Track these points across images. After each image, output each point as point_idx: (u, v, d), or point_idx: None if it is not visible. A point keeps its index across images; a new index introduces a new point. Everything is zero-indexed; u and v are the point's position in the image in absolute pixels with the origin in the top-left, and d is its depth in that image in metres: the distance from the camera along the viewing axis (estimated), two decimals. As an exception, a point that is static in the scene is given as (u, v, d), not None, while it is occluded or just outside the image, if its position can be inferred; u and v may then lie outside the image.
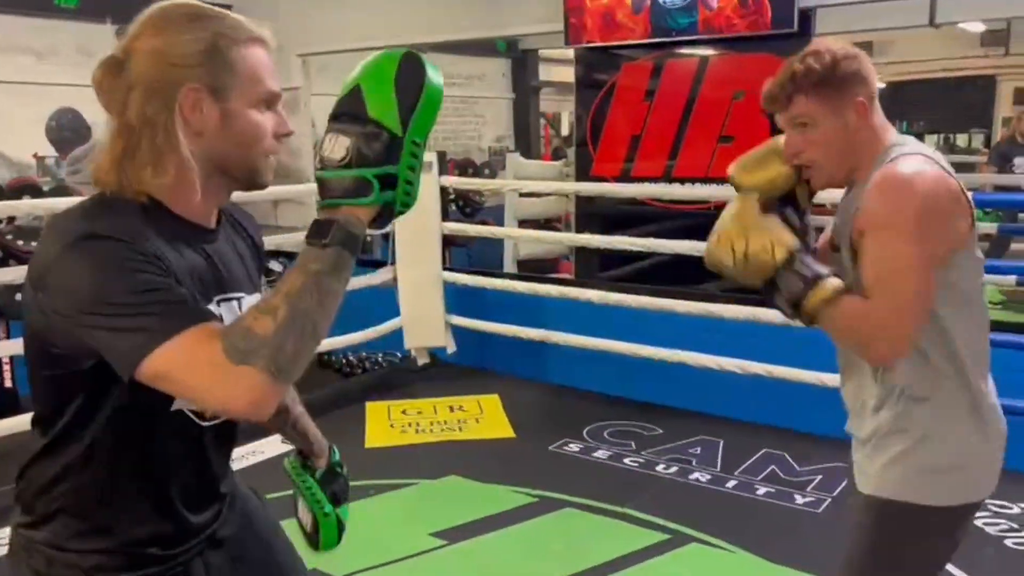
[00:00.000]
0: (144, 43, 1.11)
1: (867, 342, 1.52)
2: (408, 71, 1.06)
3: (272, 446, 4.12)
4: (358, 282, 5.02)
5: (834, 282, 1.50)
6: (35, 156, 5.73)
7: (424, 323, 5.04)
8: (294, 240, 5.63)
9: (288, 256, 5.94)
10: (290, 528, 1.65)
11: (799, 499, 3.43)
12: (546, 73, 9.28)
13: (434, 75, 1.08)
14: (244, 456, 3.98)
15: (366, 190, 1.06)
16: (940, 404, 1.56)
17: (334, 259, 1.05)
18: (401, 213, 1.10)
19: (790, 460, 3.79)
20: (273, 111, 1.19)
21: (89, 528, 1.18)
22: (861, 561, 1.65)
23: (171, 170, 1.11)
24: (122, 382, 1.04)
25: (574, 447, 4.01)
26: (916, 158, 1.52)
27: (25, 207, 4.10)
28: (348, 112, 1.06)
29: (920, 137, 11.24)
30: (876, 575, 1.64)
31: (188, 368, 1.00)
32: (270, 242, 5.57)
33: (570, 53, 5.31)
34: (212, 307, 1.18)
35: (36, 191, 4.59)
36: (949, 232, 1.49)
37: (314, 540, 1.66)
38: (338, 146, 1.05)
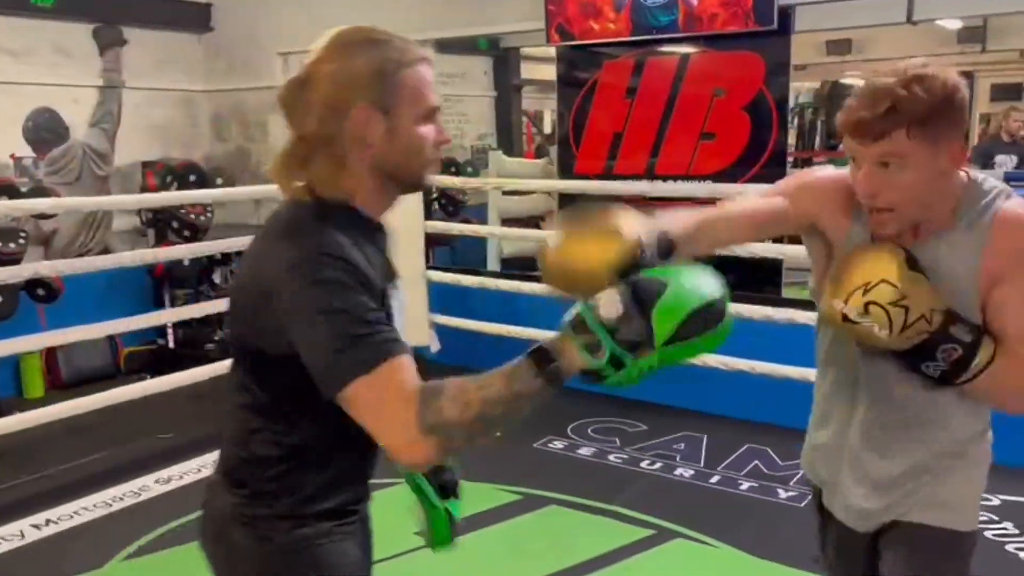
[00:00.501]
0: (323, 67, 1.25)
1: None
2: (708, 317, 1.14)
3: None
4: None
5: (989, 340, 1.37)
6: (12, 157, 5.67)
7: (408, 322, 5.01)
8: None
9: (270, 256, 5.93)
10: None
11: (782, 494, 3.46)
12: (528, 71, 9.27)
13: (719, 332, 1.15)
14: (228, 457, 3.97)
15: (599, 354, 1.14)
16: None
17: (537, 390, 1.16)
18: (603, 383, 1.19)
19: (773, 455, 3.82)
20: (433, 122, 1.29)
21: (307, 497, 1.30)
22: None
23: (350, 178, 1.26)
24: None
25: (558, 444, 4.02)
26: None
27: (2, 208, 4.06)
28: (643, 290, 1.14)
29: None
30: None
31: (377, 410, 1.15)
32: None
33: (552, 51, 5.32)
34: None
35: (14, 192, 4.54)
36: None
37: (427, 538, 1.65)
38: (612, 306, 1.14)
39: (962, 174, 1.42)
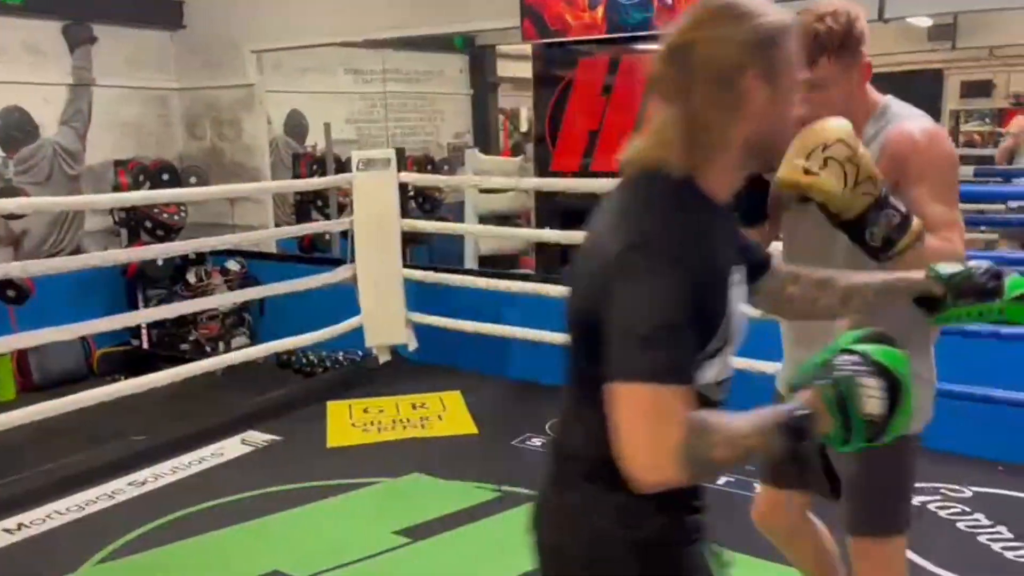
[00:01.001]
0: (706, 33, 1.15)
1: None
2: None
3: (232, 448, 4.08)
4: (317, 281, 4.98)
5: (917, 219, 1.58)
6: (-20, 156, 5.59)
7: (385, 321, 5.01)
8: (251, 239, 5.58)
9: (244, 255, 5.88)
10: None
11: (758, 487, 3.48)
12: (504, 69, 9.27)
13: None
14: (203, 459, 3.94)
15: (849, 441, 1.14)
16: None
17: (784, 453, 1.12)
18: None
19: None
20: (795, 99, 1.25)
21: (676, 492, 1.23)
22: None
23: (712, 152, 1.18)
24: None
25: (536, 441, 4.02)
26: (925, 118, 1.70)
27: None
28: (896, 388, 1.14)
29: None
30: None
31: (644, 421, 1.08)
32: (226, 241, 5.52)
33: (527, 49, 5.32)
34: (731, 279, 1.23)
35: (-17, 191, 4.47)
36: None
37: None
38: (874, 403, 1.13)
39: (876, 96, 1.72)
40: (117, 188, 5.54)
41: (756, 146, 1.20)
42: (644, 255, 1.10)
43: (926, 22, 6.94)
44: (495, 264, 6.07)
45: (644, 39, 4.66)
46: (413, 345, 5.08)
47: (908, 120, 1.69)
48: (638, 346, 1.08)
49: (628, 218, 1.17)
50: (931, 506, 3.27)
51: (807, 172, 1.53)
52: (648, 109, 1.20)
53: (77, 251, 5.54)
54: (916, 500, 3.31)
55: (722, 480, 3.58)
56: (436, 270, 5.18)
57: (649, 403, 1.07)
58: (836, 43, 1.60)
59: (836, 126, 1.55)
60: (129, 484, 3.66)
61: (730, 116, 1.16)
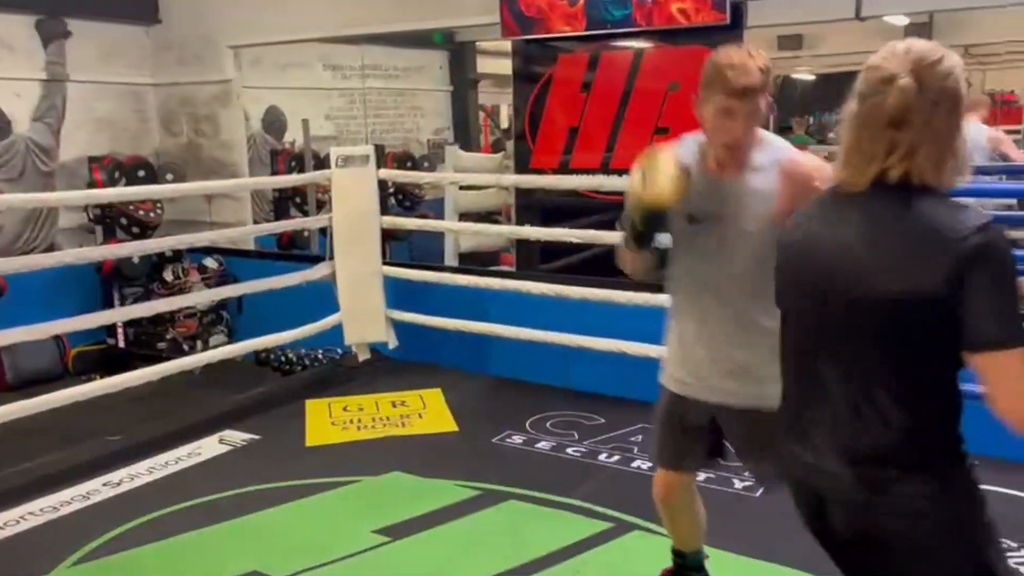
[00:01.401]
0: (939, 69, 1.41)
1: None
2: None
3: (210, 447, 4.04)
4: (295, 278, 4.94)
5: None
6: (-48, 152, 5.50)
7: (364, 318, 4.99)
8: (229, 236, 5.53)
9: (222, 253, 5.83)
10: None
11: (737, 483, 3.50)
12: (484, 66, 9.26)
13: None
14: (180, 458, 3.90)
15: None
16: None
17: None
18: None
19: (728, 446, 3.85)
20: None
21: (959, 444, 1.48)
22: None
23: (951, 165, 1.43)
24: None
25: (517, 439, 4.01)
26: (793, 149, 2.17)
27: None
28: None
29: (848, 127, 11.46)
30: None
31: (1012, 379, 1.35)
32: (204, 238, 5.46)
33: (507, 45, 5.30)
34: None
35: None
36: None
37: None
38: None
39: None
40: (92, 185, 5.48)
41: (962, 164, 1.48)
42: (997, 245, 1.35)
43: (903, 20, 7.00)
44: (475, 261, 6.05)
45: (623, 36, 4.67)
46: (393, 343, 5.06)
47: (791, 151, 2.15)
48: (1008, 318, 1.33)
49: (956, 214, 1.39)
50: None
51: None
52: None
53: (51, 249, 5.46)
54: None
55: (701, 476, 3.59)
56: (416, 267, 5.16)
57: (1015, 364, 1.33)
58: (766, 83, 2.01)
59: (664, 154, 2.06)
60: (104, 484, 3.61)
61: (961, 135, 1.45)
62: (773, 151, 2.10)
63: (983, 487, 1.49)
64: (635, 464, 3.72)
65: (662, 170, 1.99)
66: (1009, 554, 2.88)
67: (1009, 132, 9.51)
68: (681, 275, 2.21)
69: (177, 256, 5.62)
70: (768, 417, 1.89)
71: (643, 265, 2.20)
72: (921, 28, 9.12)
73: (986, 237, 1.34)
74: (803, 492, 1.58)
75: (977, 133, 5.54)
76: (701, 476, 3.57)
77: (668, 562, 2.85)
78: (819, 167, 2.02)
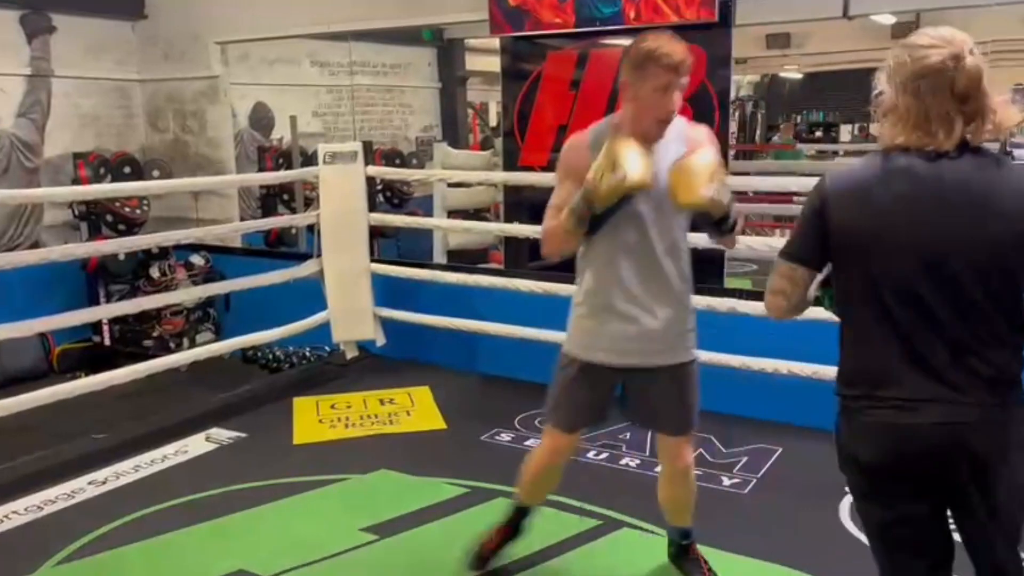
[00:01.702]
0: (978, 52, 1.65)
1: None
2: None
3: (197, 445, 4.02)
4: (283, 275, 4.92)
5: None
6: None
7: (352, 316, 4.97)
8: (216, 233, 5.50)
9: (209, 250, 5.79)
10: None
11: (726, 481, 3.51)
12: (473, 63, 9.24)
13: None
14: (167, 457, 3.88)
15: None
16: None
17: None
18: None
19: (716, 443, 3.87)
20: None
21: None
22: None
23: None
24: None
25: (506, 437, 4.01)
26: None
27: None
28: None
29: (835, 126, 11.42)
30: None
31: None
32: (190, 235, 5.42)
33: (496, 43, 5.29)
34: None
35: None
36: None
37: None
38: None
39: None
40: (76, 181, 5.43)
41: None
42: None
43: (889, 20, 7.02)
44: (464, 259, 6.04)
45: (613, 33, 4.66)
46: (381, 340, 5.04)
47: (683, 119, 2.36)
48: None
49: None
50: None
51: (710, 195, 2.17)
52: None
53: (36, 246, 5.42)
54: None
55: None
56: (404, 265, 5.15)
57: None
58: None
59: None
60: (90, 483, 3.59)
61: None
62: (674, 123, 2.31)
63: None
64: (623, 461, 3.72)
65: (636, 156, 2.14)
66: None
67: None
68: (603, 248, 2.35)
69: (163, 253, 5.58)
70: (684, 370, 2.46)
71: (575, 246, 2.38)
72: (907, 27, 9.12)
73: None
74: (931, 438, 1.64)
75: None
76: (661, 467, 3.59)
77: (656, 560, 2.86)
78: (709, 133, 2.39)
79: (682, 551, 2.78)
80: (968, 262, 1.59)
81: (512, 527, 2.80)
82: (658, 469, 3.62)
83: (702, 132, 2.41)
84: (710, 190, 2.16)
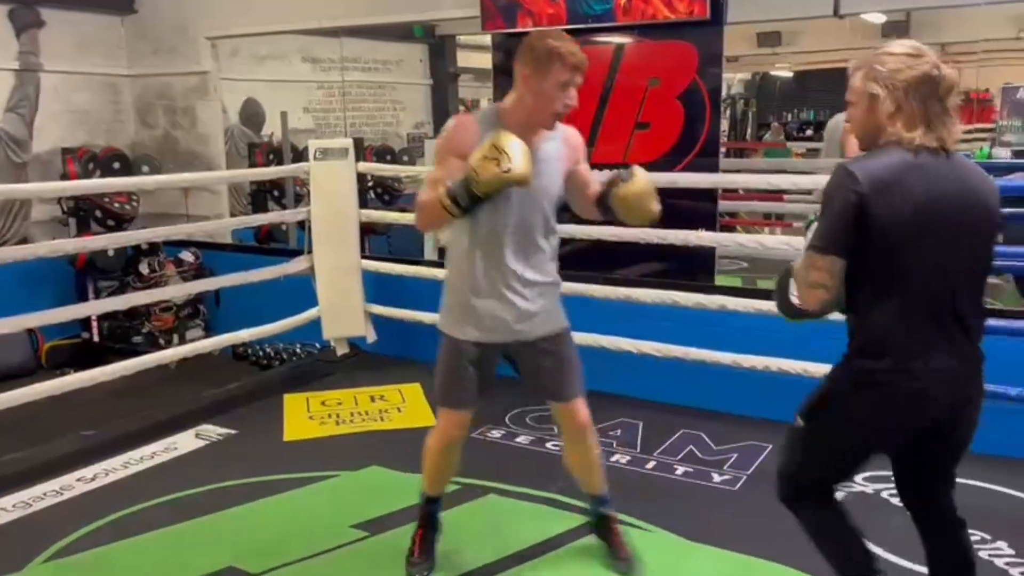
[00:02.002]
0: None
1: None
2: None
3: (186, 442, 4.00)
4: (273, 271, 4.90)
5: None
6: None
7: (343, 312, 4.96)
8: (206, 229, 5.48)
9: (199, 246, 5.77)
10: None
11: (716, 477, 3.52)
12: (464, 60, 9.21)
13: None
14: (156, 453, 3.86)
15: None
16: None
17: None
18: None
19: (707, 440, 3.88)
20: None
21: None
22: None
23: None
24: None
25: (496, 433, 4.01)
26: None
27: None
28: None
29: (824, 125, 11.41)
30: None
31: None
32: (180, 231, 5.39)
33: (488, 39, 5.28)
34: None
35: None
36: None
37: None
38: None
39: None
40: (65, 177, 5.40)
41: None
42: None
43: (880, 19, 7.05)
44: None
45: (604, 30, 4.66)
46: (372, 337, 5.03)
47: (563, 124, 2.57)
48: None
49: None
50: (883, 494, 3.32)
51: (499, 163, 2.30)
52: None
53: (24, 242, 5.39)
54: (870, 488, 3.38)
55: (680, 470, 3.61)
56: (395, 261, 5.14)
57: None
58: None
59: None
60: (78, 480, 3.57)
61: None
62: (560, 133, 2.55)
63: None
64: (613, 458, 3.72)
65: (521, 151, 2.29)
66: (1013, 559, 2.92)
67: (983, 131, 9.63)
68: (485, 229, 2.48)
69: (153, 249, 5.56)
70: (564, 337, 2.68)
71: (444, 224, 2.52)
72: (898, 26, 9.17)
73: None
74: (942, 396, 1.93)
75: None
76: (680, 470, 3.61)
77: (646, 555, 2.86)
78: (579, 134, 2.67)
79: (602, 521, 2.87)
80: (978, 246, 1.90)
81: (429, 523, 2.84)
82: (649, 466, 3.65)
83: (576, 134, 2.65)
84: (656, 205, 2.49)
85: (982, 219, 1.89)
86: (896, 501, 3.24)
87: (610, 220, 2.69)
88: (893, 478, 2.22)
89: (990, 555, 2.86)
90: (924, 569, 2.78)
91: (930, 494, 2.13)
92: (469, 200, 2.33)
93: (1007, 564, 2.81)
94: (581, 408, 2.74)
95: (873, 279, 1.87)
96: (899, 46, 1.86)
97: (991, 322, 3.45)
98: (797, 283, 1.93)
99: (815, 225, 1.91)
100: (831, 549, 2.18)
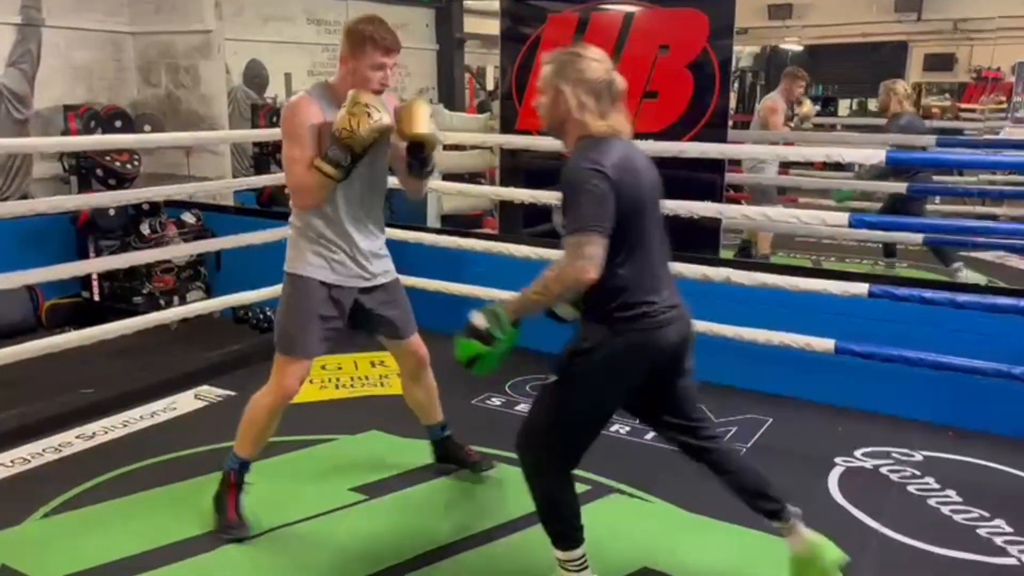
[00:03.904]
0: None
1: None
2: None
3: (186, 402, 4.00)
4: (274, 235, 4.86)
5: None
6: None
7: (344, 277, 4.92)
8: (208, 189, 5.43)
9: (200, 208, 5.73)
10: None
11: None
12: (471, 25, 9.11)
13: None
14: (155, 413, 3.86)
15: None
16: None
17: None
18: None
19: (707, 412, 3.87)
20: None
21: None
22: None
23: None
24: None
25: (496, 401, 4.01)
26: None
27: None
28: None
29: (833, 100, 11.36)
30: None
31: None
32: (182, 191, 5.35)
33: (495, 5, 5.21)
34: None
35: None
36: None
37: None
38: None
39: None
40: (66, 134, 5.35)
41: None
42: None
43: (894, -8, 6.96)
44: (458, 225, 5.99)
45: (615, -3, 4.60)
46: (373, 303, 5.00)
47: (391, 95, 2.81)
48: None
49: None
50: (883, 469, 3.33)
51: (369, 117, 2.57)
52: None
53: (25, 199, 5.35)
54: (869, 464, 3.38)
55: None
56: (397, 228, 5.09)
57: None
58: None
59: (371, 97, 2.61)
60: (78, 437, 3.57)
61: None
62: (387, 95, 2.74)
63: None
64: (613, 428, 3.72)
65: (381, 103, 2.57)
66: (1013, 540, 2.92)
67: (994, 109, 9.52)
68: (341, 197, 2.71)
69: (154, 210, 5.52)
70: (398, 282, 3.08)
71: (327, 194, 2.66)
72: (911, 2, 9.07)
73: None
74: (673, 333, 2.29)
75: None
76: (650, 434, 3.59)
77: (645, 525, 2.86)
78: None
79: (446, 442, 3.25)
80: (658, 207, 2.31)
81: (238, 487, 2.89)
82: (648, 436, 3.64)
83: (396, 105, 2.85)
84: (431, 127, 2.67)
85: (658, 186, 2.30)
86: (895, 477, 3.26)
87: (417, 174, 2.84)
88: (653, 427, 2.59)
89: (989, 533, 2.86)
90: (923, 545, 2.79)
91: (692, 425, 2.51)
92: (351, 158, 2.57)
93: (1005, 542, 2.81)
94: (421, 343, 3.15)
95: (626, 243, 2.18)
96: (591, 51, 2.26)
97: (995, 300, 3.46)
98: (563, 272, 2.18)
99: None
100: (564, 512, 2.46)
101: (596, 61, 2.23)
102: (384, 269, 2.95)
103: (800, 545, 2.38)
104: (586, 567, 2.39)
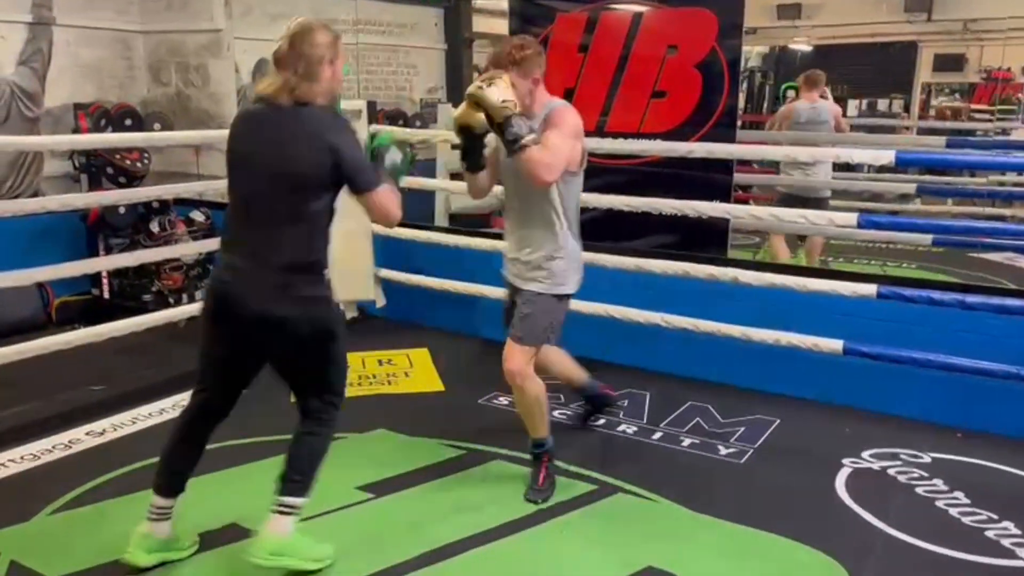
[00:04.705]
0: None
1: None
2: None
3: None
4: (284, 233, 4.88)
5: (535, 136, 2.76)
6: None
7: (352, 276, 4.93)
8: (217, 188, 5.45)
9: (210, 206, 5.75)
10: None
11: (722, 450, 3.51)
12: (479, 25, 9.11)
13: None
14: (164, 410, 3.88)
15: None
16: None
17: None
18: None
19: (714, 412, 3.87)
20: None
21: None
22: None
23: None
24: None
25: (503, 400, 4.01)
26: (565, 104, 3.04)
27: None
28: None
29: (843, 100, 11.32)
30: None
31: None
32: (191, 189, 5.37)
33: (503, 4, 5.21)
34: None
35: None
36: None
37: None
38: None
39: (548, 96, 3.05)
40: (77, 132, 5.37)
41: None
42: None
43: (904, -7, 6.93)
44: (466, 222, 6.00)
45: (624, -3, 4.59)
46: (381, 302, 5.02)
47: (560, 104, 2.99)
48: None
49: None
50: (890, 471, 3.32)
51: (480, 89, 2.73)
52: None
53: (35, 196, 5.38)
54: (876, 465, 3.37)
55: (686, 442, 3.60)
56: (406, 227, 5.11)
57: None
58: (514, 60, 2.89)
59: (498, 75, 2.80)
60: (87, 434, 3.59)
61: None
62: (549, 107, 2.97)
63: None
64: (620, 428, 3.72)
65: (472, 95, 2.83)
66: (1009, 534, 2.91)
67: (1004, 112, 9.49)
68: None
69: (164, 208, 5.54)
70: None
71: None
72: (922, 2, 9.03)
73: None
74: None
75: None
76: (686, 442, 3.61)
77: (650, 525, 2.86)
78: (560, 111, 2.98)
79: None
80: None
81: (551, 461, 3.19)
82: (656, 437, 3.65)
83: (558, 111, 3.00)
84: (462, 109, 2.89)
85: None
86: (903, 478, 3.25)
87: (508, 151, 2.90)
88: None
89: (997, 535, 2.85)
90: (931, 546, 2.79)
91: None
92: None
93: (1013, 544, 2.80)
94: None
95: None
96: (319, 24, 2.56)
97: (1004, 301, 3.45)
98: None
99: None
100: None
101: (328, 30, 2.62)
102: (532, 272, 3.21)
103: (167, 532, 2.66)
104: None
